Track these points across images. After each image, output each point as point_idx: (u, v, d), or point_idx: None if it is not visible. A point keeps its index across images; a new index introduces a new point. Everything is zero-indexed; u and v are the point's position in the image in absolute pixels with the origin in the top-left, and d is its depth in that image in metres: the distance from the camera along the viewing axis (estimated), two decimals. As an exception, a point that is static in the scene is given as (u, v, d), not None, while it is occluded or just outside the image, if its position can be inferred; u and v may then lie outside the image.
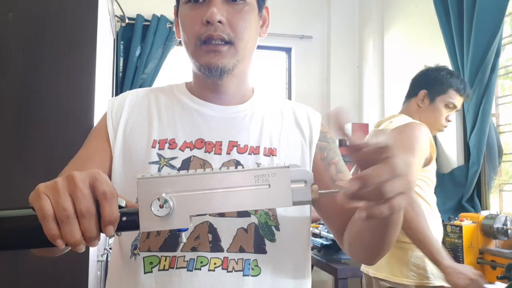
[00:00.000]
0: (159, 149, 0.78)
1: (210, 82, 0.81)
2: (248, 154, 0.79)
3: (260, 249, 0.75)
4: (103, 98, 1.69)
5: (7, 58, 1.30)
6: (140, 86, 3.19)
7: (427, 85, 1.82)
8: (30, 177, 1.28)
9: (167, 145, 0.79)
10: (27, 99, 1.30)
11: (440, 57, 2.69)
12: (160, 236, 0.74)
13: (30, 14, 1.32)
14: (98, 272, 1.65)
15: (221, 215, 0.74)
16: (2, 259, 1.24)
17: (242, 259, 0.74)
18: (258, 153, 0.79)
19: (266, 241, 0.75)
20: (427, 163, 1.65)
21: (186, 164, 0.77)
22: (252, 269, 0.74)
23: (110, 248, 2.18)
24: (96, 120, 1.39)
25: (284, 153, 0.81)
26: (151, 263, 0.73)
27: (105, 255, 1.82)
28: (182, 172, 0.52)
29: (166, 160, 0.77)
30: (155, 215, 0.50)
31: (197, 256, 0.73)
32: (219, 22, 0.75)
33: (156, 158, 0.77)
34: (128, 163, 0.79)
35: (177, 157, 0.77)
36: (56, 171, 1.31)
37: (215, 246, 0.73)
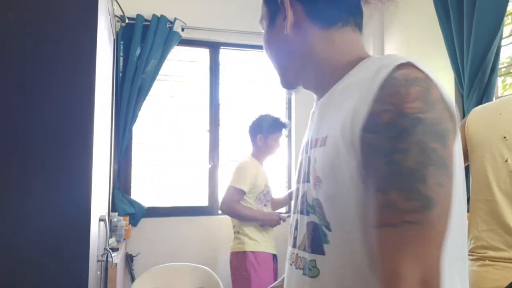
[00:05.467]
0: None
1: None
2: (311, 148, 0.73)
3: (318, 249, 0.68)
4: (103, 98, 1.68)
5: (7, 58, 1.29)
6: (140, 86, 3.18)
7: None
8: (30, 178, 1.28)
9: None
10: (27, 99, 1.29)
11: (440, 57, 2.69)
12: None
13: (30, 14, 1.32)
14: (98, 272, 1.65)
15: (301, 211, 0.73)
16: (1, 258, 1.24)
17: (303, 257, 0.72)
18: (316, 146, 0.71)
19: (323, 242, 0.68)
20: None
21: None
22: (310, 269, 0.69)
23: (111, 248, 2.18)
24: (97, 120, 1.39)
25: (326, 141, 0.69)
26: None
27: (105, 255, 1.81)
28: None
29: None
30: None
31: (288, 251, 0.79)
32: None
33: None
34: None
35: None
36: (56, 171, 1.30)
37: (293, 241, 0.76)
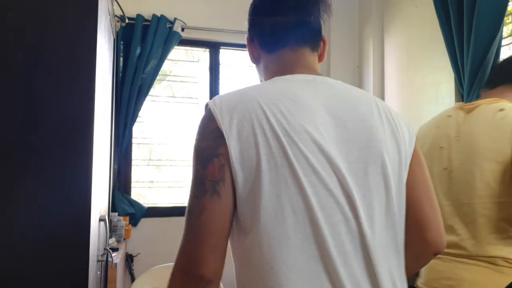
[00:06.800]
0: None
1: None
2: None
3: None
4: (103, 98, 1.69)
5: (7, 58, 1.29)
6: (140, 86, 3.18)
7: None
8: (30, 178, 1.28)
9: None
10: (27, 99, 1.29)
11: (440, 57, 2.69)
12: None
13: (30, 14, 1.32)
14: (98, 272, 1.65)
15: None
16: (0, 258, 1.24)
17: None
18: None
19: None
20: None
21: None
22: None
23: (111, 248, 2.18)
24: (97, 120, 1.39)
25: None
26: None
27: (105, 255, 1.82)
28: None
29: None
30: None
31: None
32: None
33: None
34: None
35: None
36: (56, 171, 1.30)
37: None
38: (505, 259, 1.27)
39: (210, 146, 0.75)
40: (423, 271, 1.44)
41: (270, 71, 0.90)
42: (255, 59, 0.96)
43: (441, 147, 1.44)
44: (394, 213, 0.79)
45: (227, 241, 0.75)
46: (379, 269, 0.74)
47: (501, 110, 1.35)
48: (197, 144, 0.78)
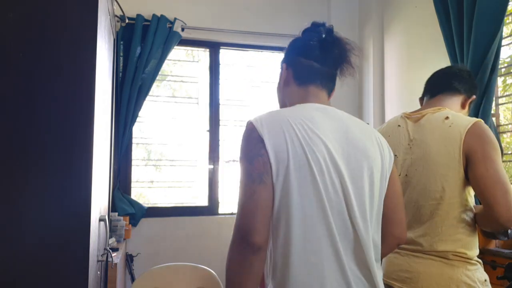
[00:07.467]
0: None
1: None
2: None
3: None
4: (103, 98, 1.69)
5: (7, 58, 1.29)
6: (140, 86, 3.19)
7: (471, 91, 1.66)
8: (30, 178, 1.28)
9: None
10: (27, 99, 1.29)
11: (440, 57, 2.69)
12: None
13: (30, 14, 1.32)
14: (98, 272, 1.65)
15: None
16: (1, 258, 1.24)
17: None
18: None
19: None
20: None
21: None
22: None
23: (111, 248, 2.18)
24: (97, 120, 1.39)
25: None
26: None
27: (105, 255, 1.82)
28: None
29: None
30: None
31: None
32: None
33: None
34: None
35: None
36: (56, 171, 1.30)
37: None
38: (454, 253, 1.41)
39: (255, 148, 1.01)
40: (383, 264, 1.54)
41: (296, 98, 1.16)
42: (284, 82, 1.20)
43: (394, 155, 1.52)
44: (376, 210, 1.08)
45: (271, 217, 1.00)
46: (366, 250, 1.03)
47: (447, 118, 1.49)
48: (243, 149, 1.03)
